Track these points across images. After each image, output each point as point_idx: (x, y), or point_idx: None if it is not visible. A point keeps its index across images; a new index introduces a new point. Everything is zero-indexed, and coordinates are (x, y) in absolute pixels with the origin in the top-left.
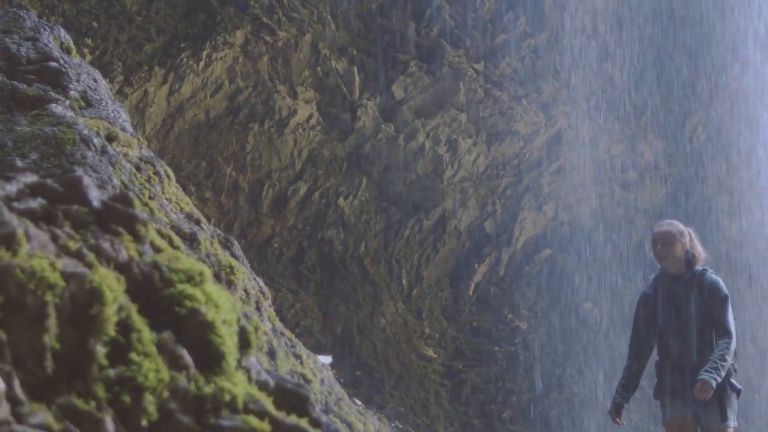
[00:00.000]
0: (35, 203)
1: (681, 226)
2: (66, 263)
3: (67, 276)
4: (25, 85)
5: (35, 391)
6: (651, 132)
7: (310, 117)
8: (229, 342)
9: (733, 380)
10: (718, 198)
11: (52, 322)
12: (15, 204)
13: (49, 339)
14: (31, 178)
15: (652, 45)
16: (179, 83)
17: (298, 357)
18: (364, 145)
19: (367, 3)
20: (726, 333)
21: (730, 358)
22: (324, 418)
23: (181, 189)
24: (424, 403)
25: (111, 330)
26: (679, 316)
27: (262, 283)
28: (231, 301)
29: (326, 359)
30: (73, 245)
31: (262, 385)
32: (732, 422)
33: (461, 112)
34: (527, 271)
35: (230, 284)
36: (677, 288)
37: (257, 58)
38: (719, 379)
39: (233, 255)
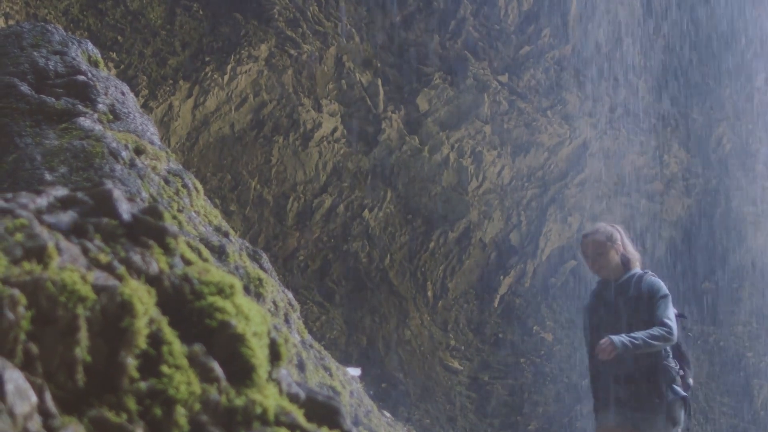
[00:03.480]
0: (66, 216)
1: (609, 229)
2: (97, 276)
3: (98, 289)
4: (53, 99)
5: (67, 404)
6: (676, 143)
7: (335, 130)
8: (259, 354)
9: (676, 387)
10: (743, 208)
11: (83, 335)
12: (45, 217)
13: (81, 352)
14: (61, 191)
15: (676, 56)
16: (204, 97)
17: (327, 369)
18: (388, 158)
19: (391, 15)
20: (662, 324)
21: (657, 341)
22: (354, 431)
23: (209, 202)
24: (450, 415)
25: (142, 342)
26: (617, 322)
27: (290, 296)
28: (261, 314)
29: (355, 371)
30: (103, 258)
31: (293, 398)
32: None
33: (486, 124)
34: (553, 283)
35: (259, 296)
36: (614, 292)
37: (282, 72)
38: (629, 346)
39: (262, 267)
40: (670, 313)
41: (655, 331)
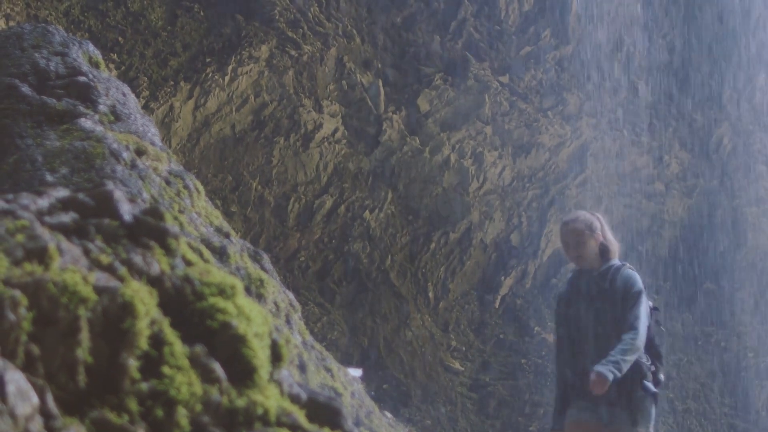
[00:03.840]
0: (67, 217)
1: (589, 218)
2: (98, 277)
3: (99, 290)
4: (54, 100)
5: (68, 405)
6: (676, 143)
7: (336, 131)
8: (261, 355)
9: (647, 382)
10: (744, 209)
11: (84, 336)
12: (47, 218)
13: (82, 353)
14: (62, 192)
15: (677, 57)
16: (205, 98)
17: (328, 370)
18: (389, 159)
19: (392, 16)
20: (631, 328)
21: (632, 354)
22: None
23: (210, 203)
24: (451, 416)
25: (143, 343)
26: (591, 314)
27: (292, 297)
28: (263, 315)
29: (356, 372)
30: (105, 259)
31: (294, 399)
32: (644, 428)
33: (486, 125)
34: (554, 284)
35: (260, 297)
36: (589, 282)
37: (282, 72)
38: (618, 373)
39: (263, 268)
40: (642, 314)
41: (627, 343)
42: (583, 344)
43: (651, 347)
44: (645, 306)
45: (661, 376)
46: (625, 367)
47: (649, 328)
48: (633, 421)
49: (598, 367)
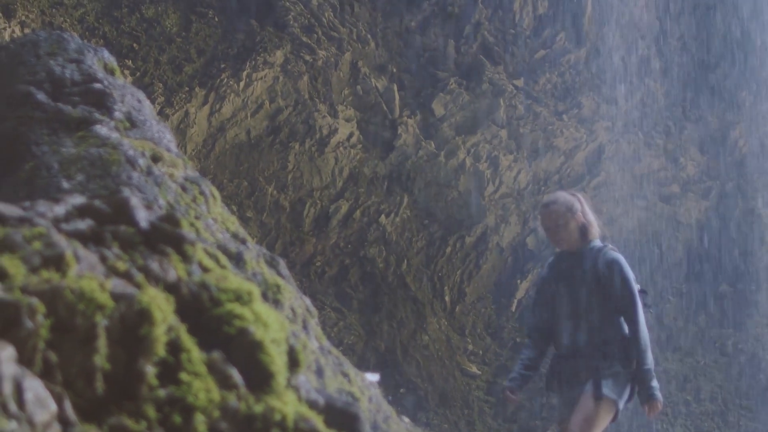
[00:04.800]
0: (83, 224)
1: (569, 199)
2: (115, 284)
3: (116, 297)
4: (69, 107)
5: (86, 412)
6: (692, 145)
7: (351, 135)
8: (278, 361)
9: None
10: (760, 210)
11: (101, 343)
12: (63, 225)
13: (99, 360)
14: (79, 199)
15: (692, 58)
16: (220, 103)
17: (345, 375)
18: (405, 163)
19: (407, 21)
20: (639, 336)
21: (651, 358)
22: None
23: (226, 209)
24: (469, 420)
25: (161, 350)
26: (570, 296)
27: (308, 302)
28: (279, 321)
29: (374, 377)
30: (121, 266)
31: (312, 404)
32: (607, 394)
33: (501, 129)
34: None
35: (277, 303)
36: (570, 265)
37: (297, 78)
38: (658, 385)
39: (279, 274)
40: (637, 303)
41: (642, 348)
42: (564, 326)
43: None
44: (638, 297)
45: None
46: (653, 372)
47: None
48: (596, 390)
49: (649, 393)
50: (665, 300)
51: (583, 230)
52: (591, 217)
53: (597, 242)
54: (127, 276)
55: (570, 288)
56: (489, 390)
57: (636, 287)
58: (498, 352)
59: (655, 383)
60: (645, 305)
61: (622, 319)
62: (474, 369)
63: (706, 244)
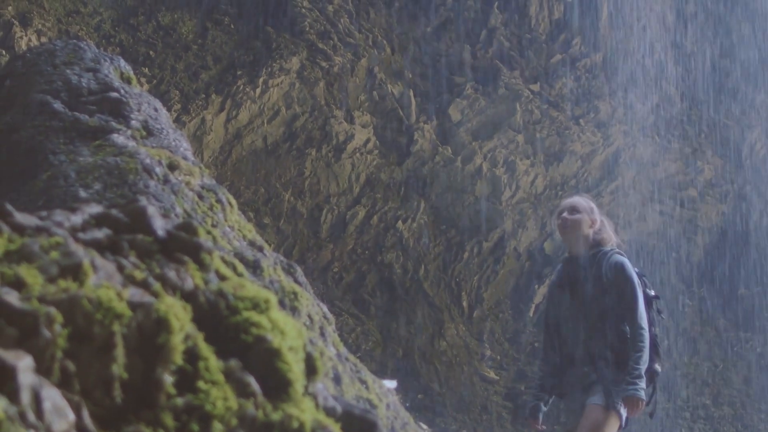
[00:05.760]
0: (101, 234)
1: (592, 204)
2: (132, 293)
3: (133, 306)
4: (86, 116)
5: (104, 421)
6: (709, 149)
7: (368, 141)
8: (295, 369)
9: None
10: None
11: (119, 352)
12: (81, 235)
13: (117, 369)
14: (96, 209)
15: (708, 61)
16: (236, 110)
17: (363, 382)
18: (421, 168)
19: (422, 26)
20: (637, 327)
21: (645, 357)
22: None
23: (243, 216)
24: (487, 425)
25: (178, 359)
26: (576, 302)
27: (325, 309)
28: (297, 328)
29: (391, 384)
30: (138, 275)
31: (329, 412)
32: (616, 404)
33: (518, 134)
34: None
35: (294, 310)
36: (577, 270)
37: (313, 84)
38: (644, 386)
39: (296, 281)
40: (640, 308)
41: (637, 350)
42: (571, 330)
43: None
44: (640, 297)
45: (657, 367)
46: (643, 364)
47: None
48: (608, 401)
49: (629, 390)
50: (683, 304)
51: (596, 234)
52: (610, 233)
53: (605, 247)
54: (144, 285)
55: (578, 292)
56: (507, 395)
57: (639, 291)
58: (516, 357)
59: (641, 383)
60: (657, 311)
61: (626, 324)
62: (492, 374)
63: (723, 248)
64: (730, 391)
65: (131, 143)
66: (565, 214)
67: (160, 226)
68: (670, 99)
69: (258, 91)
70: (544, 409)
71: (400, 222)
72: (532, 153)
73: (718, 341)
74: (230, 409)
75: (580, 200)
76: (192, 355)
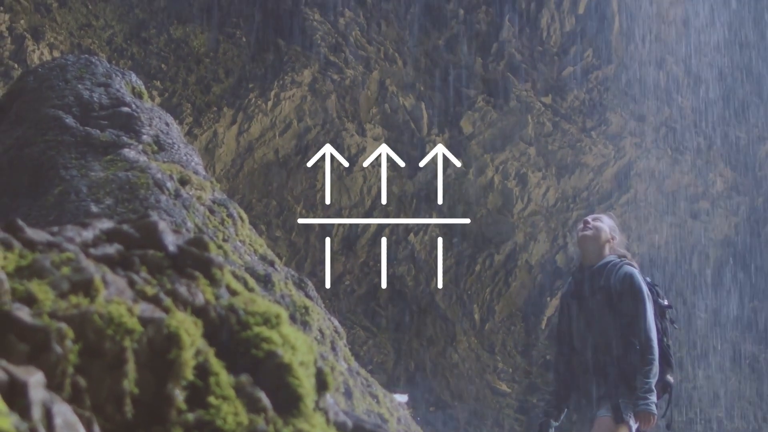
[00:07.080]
0: (112, 249)
1: (616, 224)
2: (143, 308)
3: (144, 321)
4: (98, 131)
5: None
6: (721, 161)
7: (379, 154)
8: (306, 384)
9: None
10: None
11: (130, 368)
12: (92, 250)
13: (128, 384)
14: (107, 224)
15: (720, 74)
16: (248, 123)
17: (374, 396)
18: (433, 181)
19: (434, 39)
20: (646, 340)
21: (656, 371)
22: None
23: (254, 230)
24: None
25: (189, 374)
26: (584, 310)
27: (336, 323)
28: (308, 343)
29: (402, 398)
30: (149, 290)
31: (340, 426)
32: (626, 419)
33: (530, 146)
34: None
35: (305, 325)
36: (586, 279)
37: (325, 97)
38: (656, 401)
39: (307, 295)
40: (649, 321)
41: (647, 364)
42: (580, 340)
43: (660, 348)
44: (649, 308)
45: (670, 378)
46: (655, 391)
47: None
48: (617, 416)
49: (641, 406)
50: (696, 316)
51: (611, 249)
52: (624, 251)
53: (615, 257)
54: (155, 300)
55: (586, 303)
56: (519, 408)
57: (649, 303)
58: (528, 370)
59: (652, 397)
60: (670, 321)
61: (635, 337)
62: (504, 387)
63: (736, 260)
64: (743, 404)
65: (142, 158)
66: (588, 219)
67: (171, 241)
68: (681, 111)
69: (270, 104)
70: (554, 424)
71: (411, 234)
72: (544, 165)
73: (731, 354)
74: (241, 425)
75: (605, 216)
76: (203, 371)
